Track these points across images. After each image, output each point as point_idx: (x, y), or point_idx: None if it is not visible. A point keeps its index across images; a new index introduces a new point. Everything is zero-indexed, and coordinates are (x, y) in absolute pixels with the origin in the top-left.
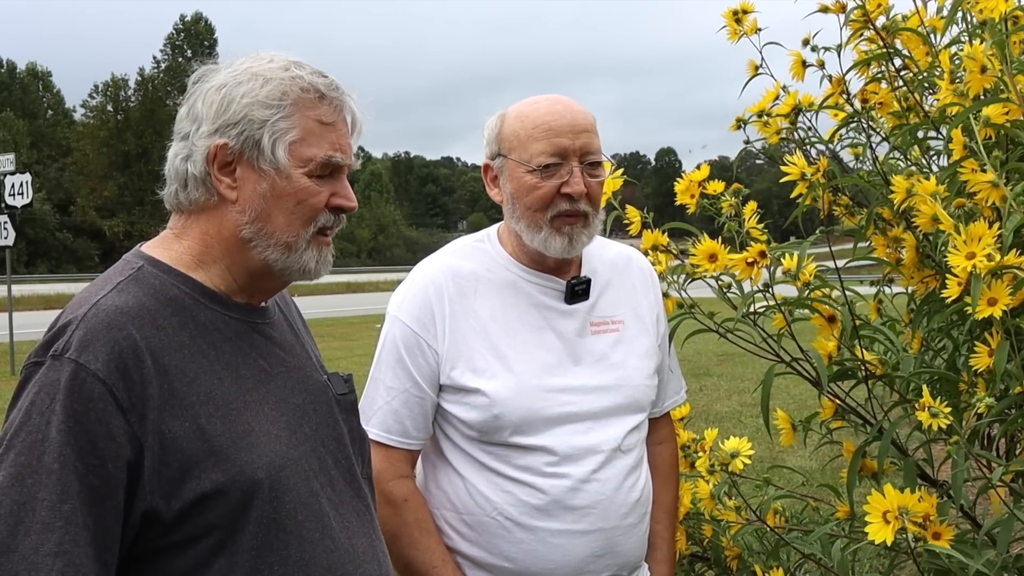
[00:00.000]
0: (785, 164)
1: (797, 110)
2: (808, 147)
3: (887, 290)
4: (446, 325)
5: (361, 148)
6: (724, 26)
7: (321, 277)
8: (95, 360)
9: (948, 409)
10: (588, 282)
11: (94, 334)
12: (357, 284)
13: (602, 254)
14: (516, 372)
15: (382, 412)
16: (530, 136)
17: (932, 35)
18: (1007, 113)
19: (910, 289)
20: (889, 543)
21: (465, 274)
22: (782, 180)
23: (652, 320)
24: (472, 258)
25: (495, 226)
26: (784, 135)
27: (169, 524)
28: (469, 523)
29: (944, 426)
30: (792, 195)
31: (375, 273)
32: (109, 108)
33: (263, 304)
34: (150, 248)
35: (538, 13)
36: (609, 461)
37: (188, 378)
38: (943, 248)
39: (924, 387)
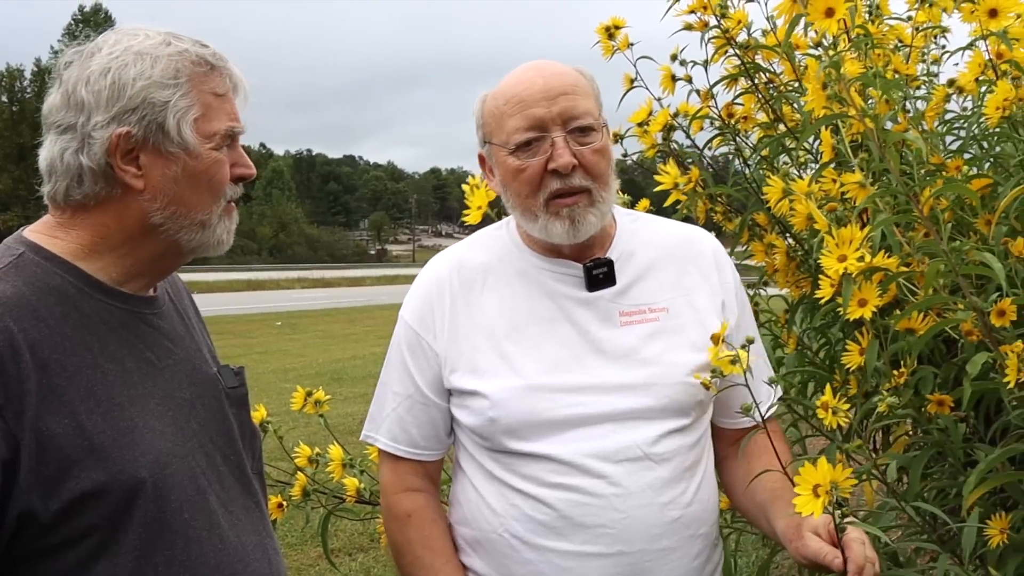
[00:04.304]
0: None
1: (669, 127)
2: (684, 158)
3: (763, 292)
4: (445, 323)
5: (263, 145)
6: (598, 41)
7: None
8: None
9: (847, 407)
10: (609, 264)
11: None
12: (257, 282)
13: (648, 234)
14: (519, 371)
15: (389, 420)
16: (503, 113)
17: (791, 51)
18: (850, 127)
19: (785, 291)
20: (817, 516)
21: (474, 266)
22: (656, 189)
23: (712, 309)
24: (486, 248)
25: None
26: (660, 148)
27: (47, 525)
28: (479, 539)
29: (843, 424)
30: (666, 204)
31: (276, 271)
32: (4, 99)
33: (152, 293)
34: (33, 234)
35: (452, 11)
36: (633, 472)
37: (68, 373)
38: (817, 251)
39: (828, 385)
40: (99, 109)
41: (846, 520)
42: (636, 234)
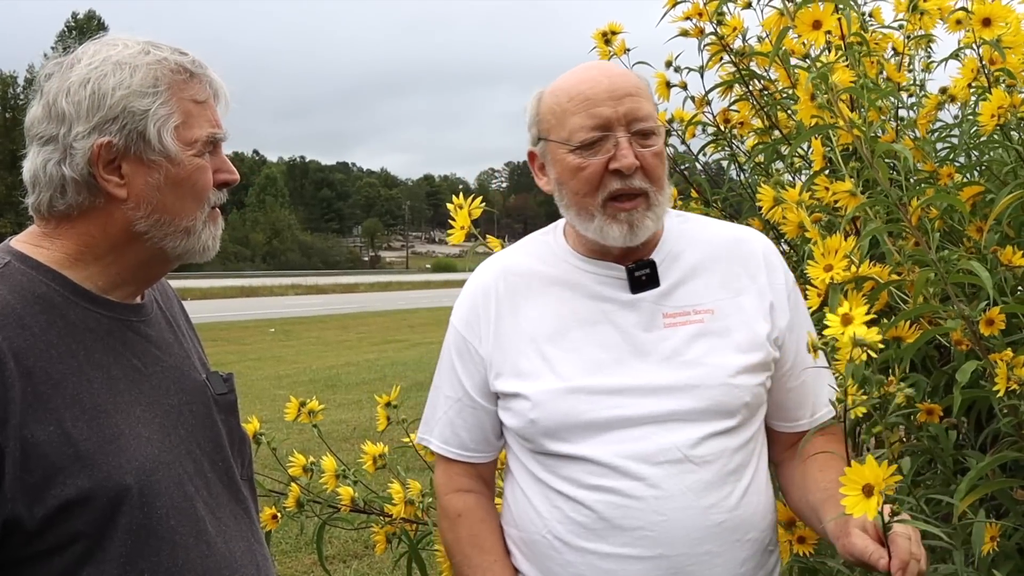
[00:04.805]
0: None
1: (665, 132)
2: (679, 163)
3: None
4: (491, 328)
5: (256, 151)
6: (594, 47)
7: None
8: None
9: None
10: (652, 265)
11: None
12: (251, 288)
13: (696, 234)
14: (560, 373)
15: (441, 423)
16: (566, 110)
17: (785, 58)
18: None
19: None
20: (871, 518)
21: (520, 271)
22: None
23: (761, 310)
24: (533, 252)
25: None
26: None
27: (33, 532)
28: (525, 540)
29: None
30: None
31: (269, 277)
32: None
33: (140, 301)
34: (19, 243)
35: (444, 18)
36: (673, 474)
37: (54, 380)
38: (807, 260)
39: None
40: (80, 120)
41: (895, 518)
42: (684, 235)
